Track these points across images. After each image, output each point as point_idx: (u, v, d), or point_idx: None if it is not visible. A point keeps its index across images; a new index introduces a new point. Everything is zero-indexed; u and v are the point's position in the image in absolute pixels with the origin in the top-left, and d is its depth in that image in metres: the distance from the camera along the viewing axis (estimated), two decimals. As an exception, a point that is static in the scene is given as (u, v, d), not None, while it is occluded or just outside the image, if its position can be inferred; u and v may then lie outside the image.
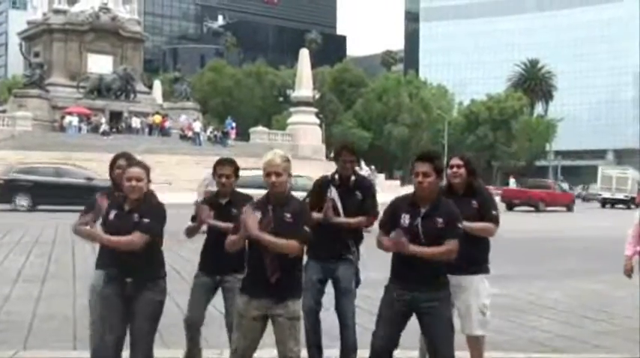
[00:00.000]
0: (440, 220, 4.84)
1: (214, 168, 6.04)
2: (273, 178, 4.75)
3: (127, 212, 5.14)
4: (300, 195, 5.65)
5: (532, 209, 41.00)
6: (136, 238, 5.02)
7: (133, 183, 5.11)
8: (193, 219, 6.00)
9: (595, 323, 9.04)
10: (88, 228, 5.10)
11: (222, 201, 5.96)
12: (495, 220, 5.81)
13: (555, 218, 36.13)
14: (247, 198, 5.84)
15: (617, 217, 32.11)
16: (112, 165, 5.94)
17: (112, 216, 5.16)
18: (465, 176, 5.80)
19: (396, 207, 5.02)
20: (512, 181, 61.32)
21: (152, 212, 5.17)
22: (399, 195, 5.29)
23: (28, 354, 7.04)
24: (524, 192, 43.52)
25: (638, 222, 7.10)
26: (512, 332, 8.28)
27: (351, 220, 6.04)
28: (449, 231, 4.85)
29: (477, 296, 5.76)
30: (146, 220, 5.08)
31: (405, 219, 4.88)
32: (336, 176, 6.20)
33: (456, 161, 5.85)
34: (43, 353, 7.05)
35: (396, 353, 5.07)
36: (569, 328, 8.74)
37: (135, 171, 5.16)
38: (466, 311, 5.76)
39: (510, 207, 40.89)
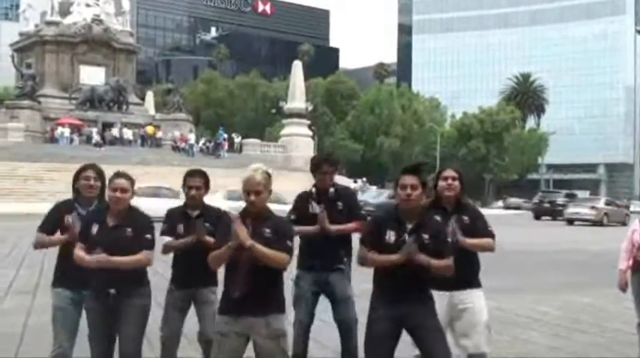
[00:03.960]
0: (426, 236, 4.72)
1: (184, 179, 5.91)
2: (253, 197, 4.60)
3: (113, 226, 5.04)
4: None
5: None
6: (147, 256, 5.06)
7: (118, 194, 5.03)
8: (165, 233, 5.87)
9: (585, 336, 9.05)
10: (83, 254, 4.97)
11: (193, 214, 5.84)
12: (493, 235, 5.62)
13: (541, 231, 36.17)
14: (218, 211, 5.82)
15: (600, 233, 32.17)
16: (78, 175, 5.71)
17: (94, 230, 5.03)
18: (458, 189, 5.56)
19: (379, 223, 4.88)
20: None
21: (146, 225, 5.14)
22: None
23: (18, 366, 7.01)
24: None
25: (630, 236, 7.15)
26: (503, 345, 8.26)
27: (344, 226, 5.99)
28: (443, 247, 4.76)
29: (481, 312, 5.55)
30: (148, 236, 5.08)
31: (391, 236, 4.74)
32: (314, 189, 6.16)
33: (450, 173, 5.57)
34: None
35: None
36: (560, 341, 8.75)
37: (121, 181, 5.07)
38: (472, 328, 5.50)
39: None
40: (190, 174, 5.90)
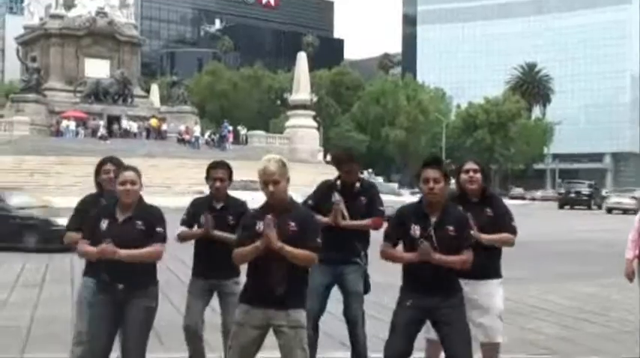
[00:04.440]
0: (451, 228, 4.76)
1: (208, 171, 5.96)
2: (271, 188, 4.52)
3: (124, 220, 5.00)
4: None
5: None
6: (158, 249, 5.01)
7: (128, 186, 4.99)
8: (184, 222, 5.97)
9: (593, 326, 9.05)
10: (86, 247, 4.99)
11: (217, 206, 5.91)
12: (514, 231, 5.62)
13: (548, 221, 36.17)
14: (242, 203, 5.90)
15: (614, 222, 32.16)
16: (99, 169, 5.81)
17: (104, 225, 4.99)
18: (481, 181, 5.56)
19: (404, 217, 4.90)
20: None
21: (157, 218, 5.10)
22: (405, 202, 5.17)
23: (26, 359, 7.03)
24: None
25: (637, 226, 7.14)
26: (510, 335, 8.21)
27: (358, 223, 5.99)
28: (463, 239, 4.79)
29: (494, 302, 5.57)
30: (159, 229, 5.03)
31: (416, 230, 4.77)
32: (338, 182, 6.14)
33: (471, 165, 5.57)
34: (41, 357, 7.04)
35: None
36: (567, 331, 8.75)
37: (129, 174, 5.03)
38: (484, 317, 5.53)
39: None
40: (214, 167, 5.96)
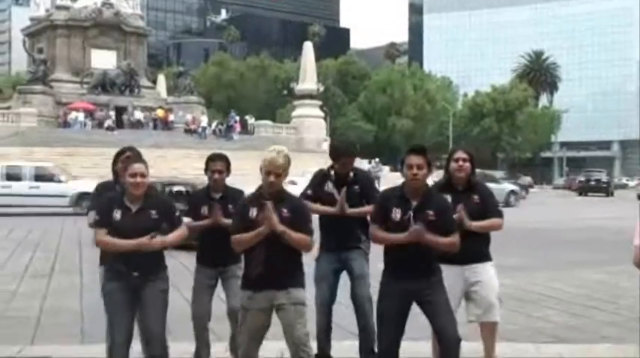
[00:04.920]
0: (431, 212, 4.91)
1: (207, 163, 6.14)
2: (272, 178, 4.86)
3: (137, 211, 5.11)
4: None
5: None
6: (185, 231, 5.30)
7: (138, 179, 5.10)
8: (187, 214, 6.07)
9: (601, 314, 9.02)
10: (114, 241, 5.07)
11: (216, 196, 6.08)
12: (501, 215, 5.78)
13: (557, 209, 36.08)
14: (240, 193, 6.03)
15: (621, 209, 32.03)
16: (117, 158, 5.89)
17: (117, 216, 5.10)
18: (469, 170, 5.70)
19: (386, 200, 5.09)
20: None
21: (170, 206, 5.31)
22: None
23: (35, 349, 7.05)
24: None
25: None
26: (519, 323, 8.27)
27: (361, 209, 6.06)
28: (446, 224, 4.94)
29: (493, 284, 5.77)
30: (178, 214, 5.29)
31: (397, 213, 4.94)
32: (332, 171, 6.24)
33: (461, 154, 5.71)
34: (50, 348, 7.06)
35: (405, 345, 5.11)
36: (576, 318, 8.73)
37: (139, 166, 5.14)
38: (485, 299, 5.72)
39: None
40: (212, 159, 6.15)
